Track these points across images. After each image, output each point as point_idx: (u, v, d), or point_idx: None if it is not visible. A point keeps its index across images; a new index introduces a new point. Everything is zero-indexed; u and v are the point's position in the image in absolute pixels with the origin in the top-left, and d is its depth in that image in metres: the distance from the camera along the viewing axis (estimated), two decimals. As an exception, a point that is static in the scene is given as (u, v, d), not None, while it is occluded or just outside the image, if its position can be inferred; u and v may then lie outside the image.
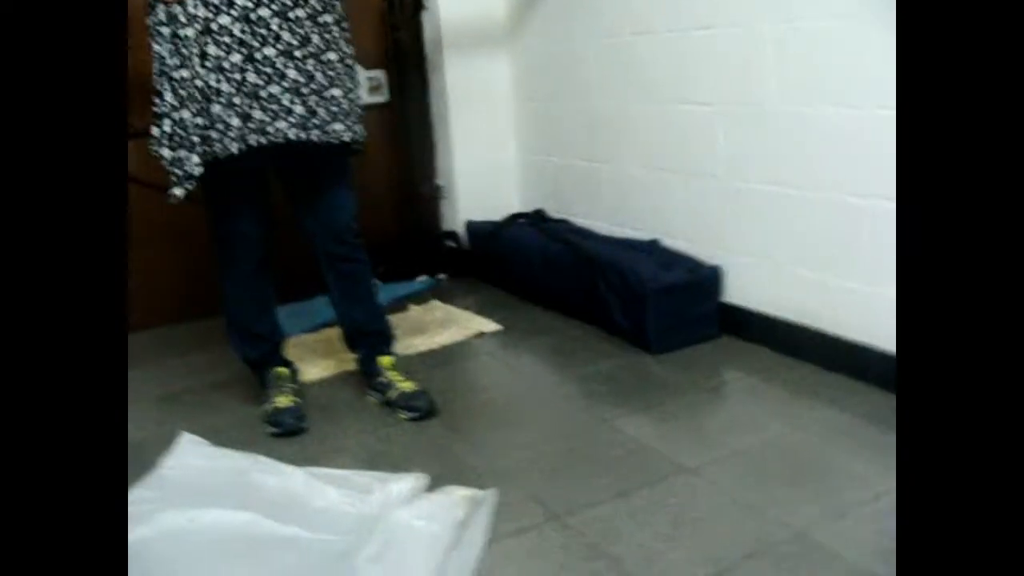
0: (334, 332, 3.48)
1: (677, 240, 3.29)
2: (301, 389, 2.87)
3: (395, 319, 3.59)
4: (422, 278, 4.12)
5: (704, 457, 2.29)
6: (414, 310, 3.70)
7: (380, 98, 4.22)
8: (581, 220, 3.82)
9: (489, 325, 3.43)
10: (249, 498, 2.15)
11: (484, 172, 4.22)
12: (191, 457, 2.35)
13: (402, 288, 4.05)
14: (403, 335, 3.37)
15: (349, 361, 3.13)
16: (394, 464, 2.35)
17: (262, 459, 2.32)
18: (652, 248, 3.27)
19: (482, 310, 3.62)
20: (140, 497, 2.19)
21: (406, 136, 4.27)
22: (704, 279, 3.07)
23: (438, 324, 3.47)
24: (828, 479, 2.13)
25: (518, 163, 4.25)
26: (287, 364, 2.89)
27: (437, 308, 3.70)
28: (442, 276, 4.09)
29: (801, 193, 2.74)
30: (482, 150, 4.20)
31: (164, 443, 2.50)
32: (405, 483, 2.13)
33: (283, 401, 2.68)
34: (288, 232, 3.94)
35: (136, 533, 2.04)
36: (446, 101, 4.11)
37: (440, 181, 4.29)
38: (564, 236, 3.53)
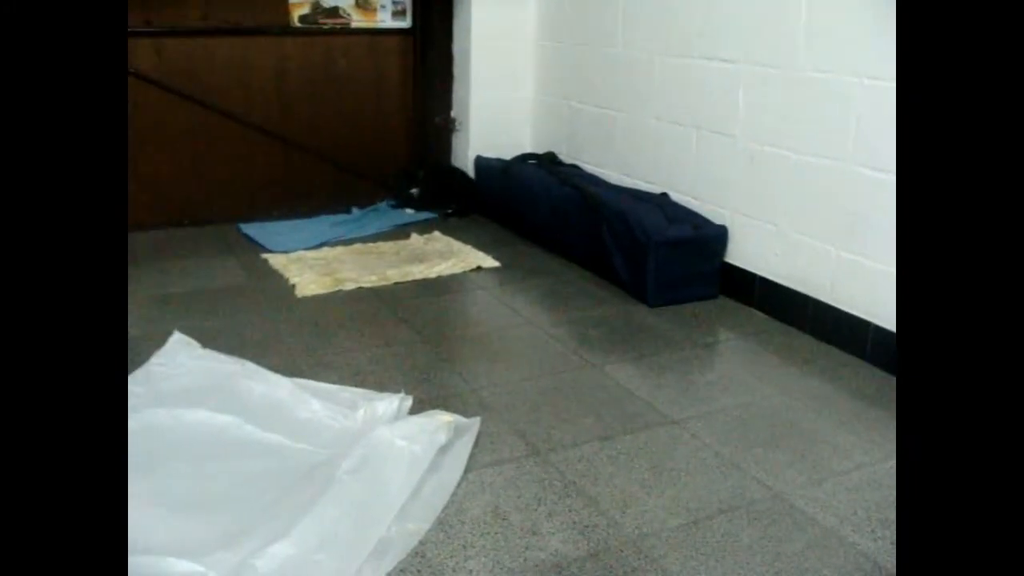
0: (333, 252, 3.48)
1: (686, 196, 3.26)
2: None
3: (395, 246, 3.59)
4: (427, 214, 4.08)
5: (690, 411, 2.29)
6: (415, 238, 3.68)
7: (403, 23, 4.16)
8: (592, 167, 3.79)
9: (488, 261, 3.41)
10: (234, 402, 2.16)
11: (499, 109, 4.17)
12: (180, 356, 2.34)
13: (406, 217, 4.02)
14: (401, 262, 3.35)
15: (345, 280, 3.12)
16: (380, 384, 2.35)
17: (250, 365, 2.32)
18: (661, 201, 3.25)
19: (483, 245, 3.60)
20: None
21: (425, 65, 4.22)
22: (710, 237, 3.05)
23: (437, 255, 3.45)
24: (810, 446, 2.13)
25: (534, 103, 4.20)
26: None
27: (438, 239, 3.68)
28: (449, 211, 4.05)
29: (816, 160, 2.71)
30: (500, 87, 4.15)
31: (155, 340, 2.49)
32: (390, 403, 2.14)
33: None
34: (298, 153, 3.95)
35: (118, 423, 2.05)
36: (469, 33, 4.04)
37: (455, 114, 4.24)
38: (573, 180, 3.50)
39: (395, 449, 1.89)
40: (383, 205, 4.14)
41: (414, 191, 4.13)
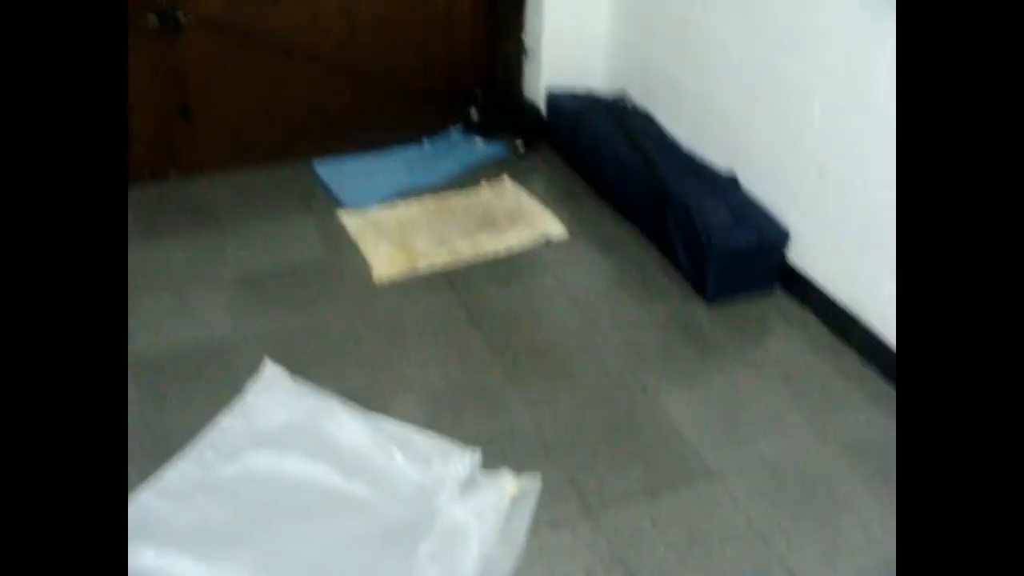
0: (408, 211, 3.58)
1: (754, 183, 3.29)
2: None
3: (465, 201, 3.69)
4: (496, 145, 4.15)
5: (732, 459, 2.49)
6: (485, 191, 3.79)
7: (474, -57, 4.05)
8: (663, 118, 3.80)
9: (556, 227, 3.54)
10: (321, 446, 2.41)
11: (573, 37, 4.12)
12: (274, 391, 2.57)
13: (475, 153, 4.11)
14: (473, 228, 3.50)
15: (418, 256, 3.27)
16: (454, 414, 2.59)
17: (334, 405, 2.54)
18: (728, 189, 3.29)
19: (552, 201, 3.72)
20: (229, 427, 2.46)
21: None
22: (771, 242, 3.12)
23: (507, 218, 3.58)
24: (832, 515, 2.32)
25: (609, 35, 4.14)
26: None
27: (507, 191, 3.79)
28: (518, 142, 4.11)
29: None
30: (574, 14, 4.07)
31: (242, 349, 2.76)
32: (461, 457, 2.38)
33: None
34: (367, 82, 3.87)
35: (225, 470, 2.33)
36: (543, -48, 3.95)
37: (526, 39, 4.19)
38: (642, 145, 3.54)
39: (468, 529, 2.16)
40: (454, 133, 4.19)
41: (473, 112, 4.18)
